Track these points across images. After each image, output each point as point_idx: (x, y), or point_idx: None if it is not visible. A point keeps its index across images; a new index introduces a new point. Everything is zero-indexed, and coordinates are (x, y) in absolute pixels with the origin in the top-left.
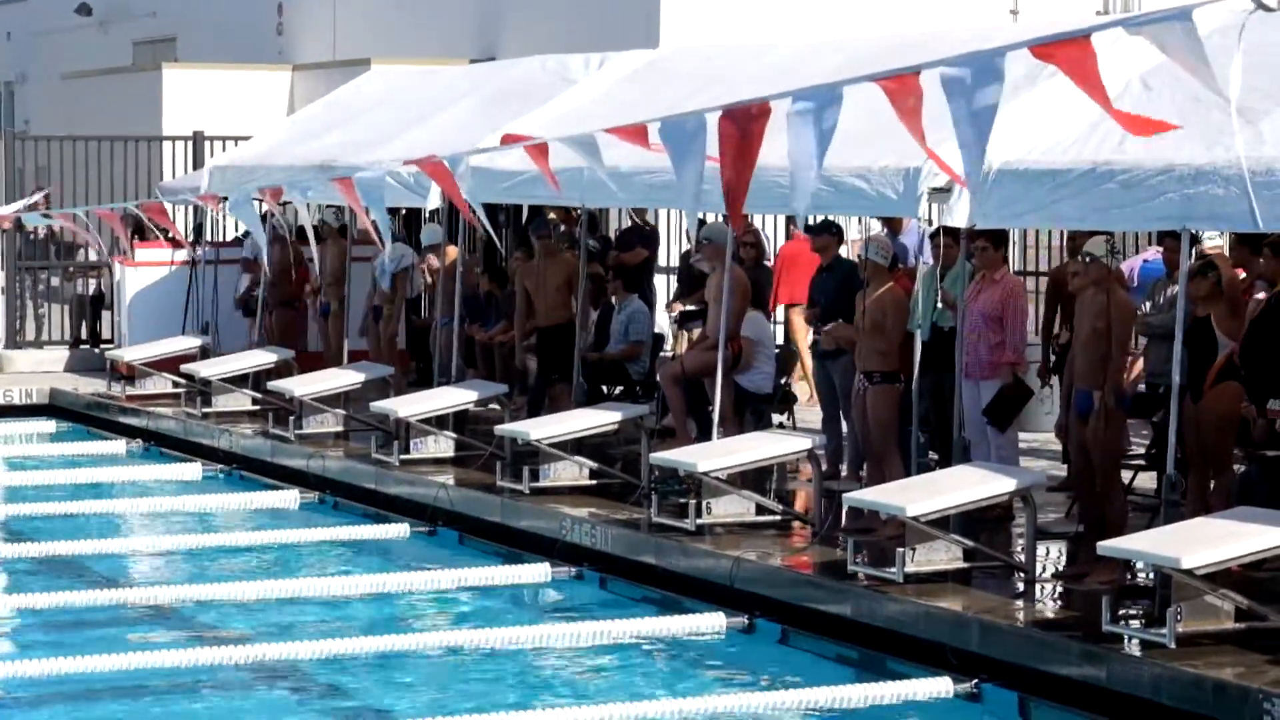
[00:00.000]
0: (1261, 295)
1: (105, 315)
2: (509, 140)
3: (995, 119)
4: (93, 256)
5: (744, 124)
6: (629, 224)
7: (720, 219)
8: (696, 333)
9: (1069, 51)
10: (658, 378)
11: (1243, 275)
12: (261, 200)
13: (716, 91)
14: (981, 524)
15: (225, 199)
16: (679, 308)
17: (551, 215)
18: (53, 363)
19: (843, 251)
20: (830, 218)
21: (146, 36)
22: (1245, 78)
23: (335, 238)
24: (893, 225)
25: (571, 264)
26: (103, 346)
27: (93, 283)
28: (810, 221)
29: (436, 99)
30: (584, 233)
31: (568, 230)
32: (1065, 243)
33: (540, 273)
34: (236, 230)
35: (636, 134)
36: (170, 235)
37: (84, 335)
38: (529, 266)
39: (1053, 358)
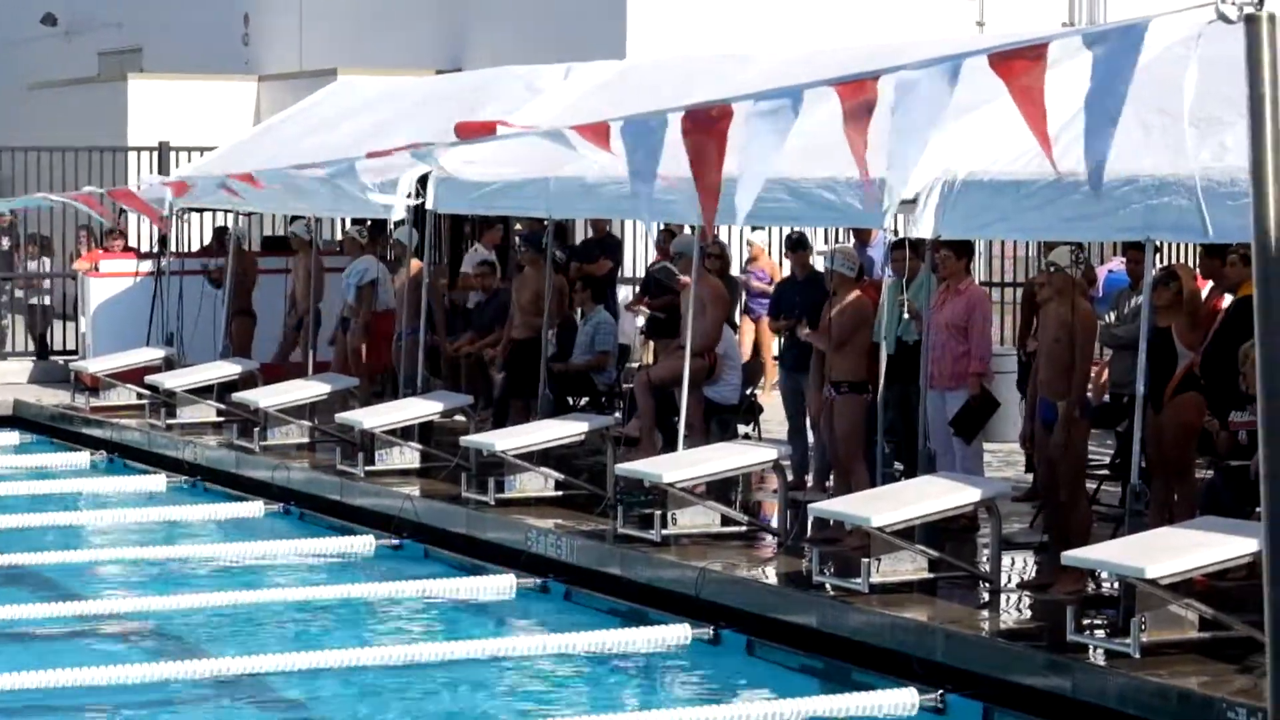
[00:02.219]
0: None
1: (61, 326)
2: (467, 130)
3: (932, 132)
4: (47, 266)
5: (707, 127)
6: (591, 235)
7: (689, 229)
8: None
9: (1020, 65)
10: (625, 387)
11: (1211, 286)
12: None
13: (684, 102)
14: (947, 534)
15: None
16: (642, 307)
17: (518, 226)
18: (16, 374)
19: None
20: (797, 230)
21: (112, 47)
22: (1214, 87)
23: (305, 250)
24: (862, 236)
25: (552, 278)
26: (67, 358)
27: (48, 295)
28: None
29: (403, 109)
30: (550, 243)
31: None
32: (1038, 253)
33: (526, 285)
34: (201, 240)
35: (599, 135)
36: (129, 245)
37: (37, 347)
38: (524, 278)
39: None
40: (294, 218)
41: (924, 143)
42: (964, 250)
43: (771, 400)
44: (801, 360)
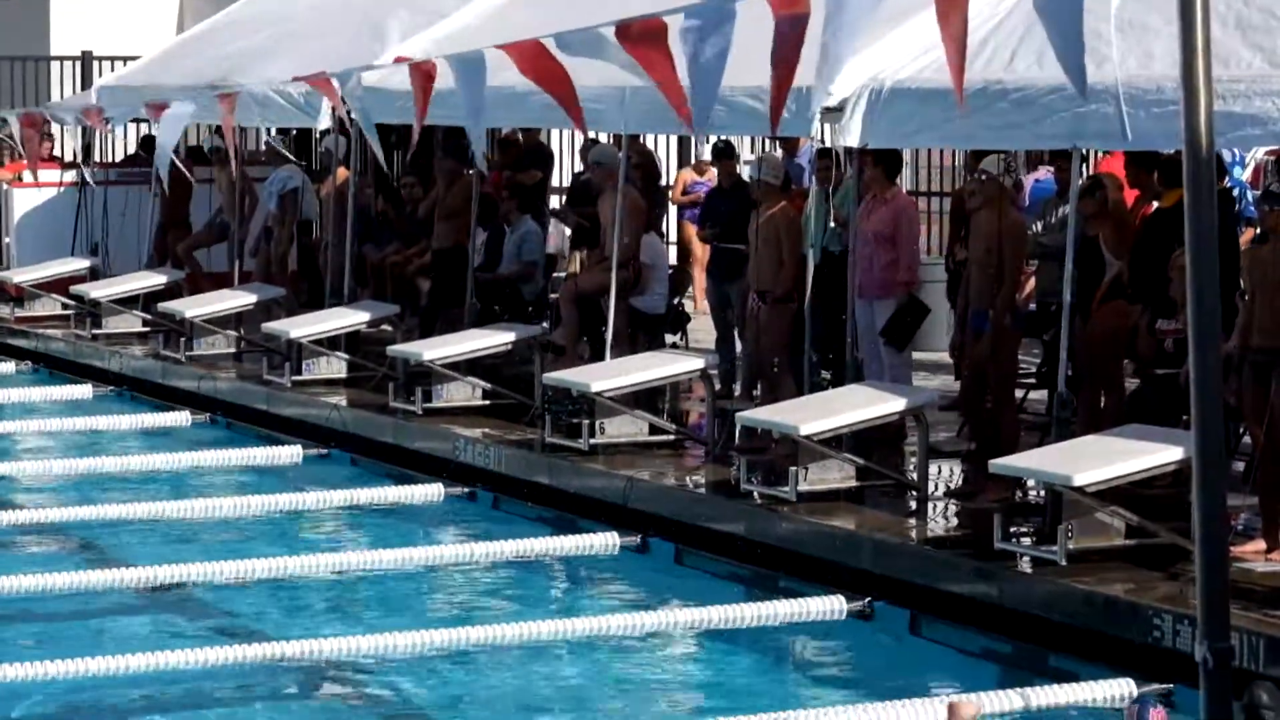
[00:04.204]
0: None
1: None
2: (402, 61)
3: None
4: None
5: (648, 37)
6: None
7: (610, 139)
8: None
9: None
10: (553, 297)
11: (1138, 196)
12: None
13: (612, 9)
14: (874, 443)
15: (109, 120)
16: (573, 218)
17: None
18: None
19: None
20: (723, 139)
21: None
22: None
23: (225, 162)
24: (788, 146)
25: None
26: None
27: None
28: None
29: (328, 14)
30: (480, 152)
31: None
32: (966, 161)
33: (446, 195)
34: (126, 150)
35: (531, 56)
36: (51, 155)
37: None
38: (444, 188)
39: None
40: (217, 128)
41: (852, 52)
42: (892, 164)
43: (703, 309)
44: (729, 270)
